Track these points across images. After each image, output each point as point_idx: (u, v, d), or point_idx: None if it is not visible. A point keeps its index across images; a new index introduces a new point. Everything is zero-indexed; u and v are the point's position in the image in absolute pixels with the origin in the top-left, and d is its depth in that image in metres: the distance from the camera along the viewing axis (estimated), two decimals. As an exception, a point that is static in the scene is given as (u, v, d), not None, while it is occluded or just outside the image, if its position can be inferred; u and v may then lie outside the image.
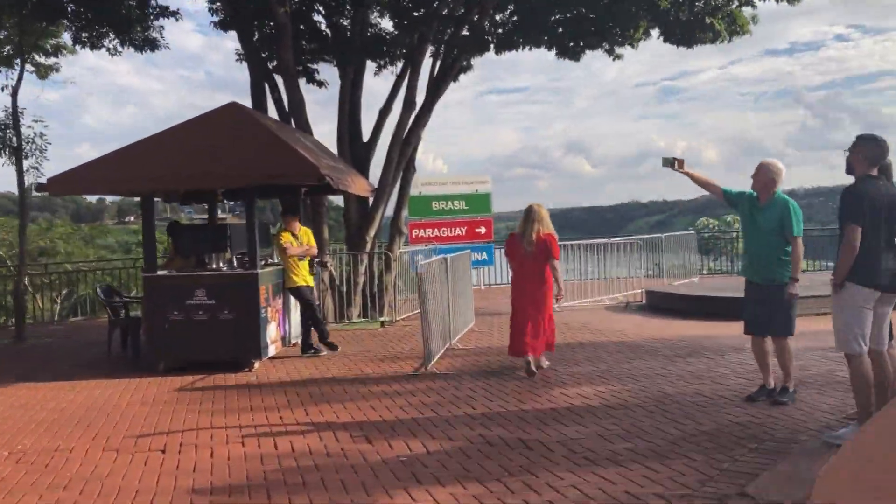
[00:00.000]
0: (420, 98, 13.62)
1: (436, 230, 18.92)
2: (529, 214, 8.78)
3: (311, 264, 10.83)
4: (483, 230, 19.37)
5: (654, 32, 15.78)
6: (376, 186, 12.59)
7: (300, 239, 10.42)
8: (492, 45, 15.09)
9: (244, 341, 9.45)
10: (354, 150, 13.83)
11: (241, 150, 9.34)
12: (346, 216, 13.63)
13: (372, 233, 13.45)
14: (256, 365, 9.62)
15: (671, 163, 7.64)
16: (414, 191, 18.68)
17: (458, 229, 19.22)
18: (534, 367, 8.56)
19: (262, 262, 10.83)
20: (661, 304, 13.94)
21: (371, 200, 13.53)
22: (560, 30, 16.02)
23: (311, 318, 10.52)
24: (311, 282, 10.67)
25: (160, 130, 9.77)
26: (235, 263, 10.18)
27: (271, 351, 10.00)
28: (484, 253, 19.47)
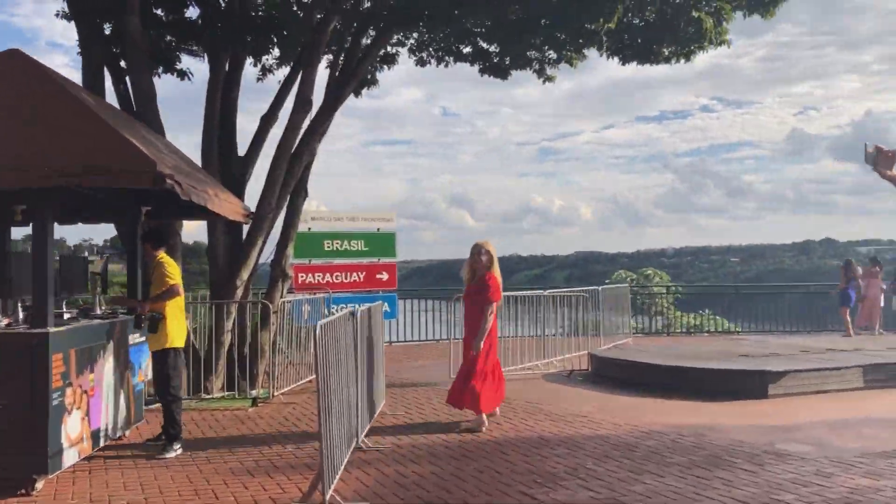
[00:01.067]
0: (317, 102, 10.25)
1: (327, 275, 15.31)
2: (473, 249, 7.99)
3: (137, 318, 7.15)
4: (385, 276, 15.92)
5: (598, 49, 13.03)
6: (253, 211, 9.00)
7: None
8: (415, 34, 11.89)
9: (17, 445, 5.62)
10: (226, 165, 10.21)
11: (28, 130, 5.63)
12: (210, 252, 9.96)
13: (245, 275, 9.81)
14: (40, 484, 5.78)
15: (874, 158, 5.89)
16: (302, 226, 15.11)
17: (355, 274, 15.67)
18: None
19: (71, 314, 7.03)
20: (612, 373, 10.90)
21: (246, 231, 9.89)
22: (483, 44, 13.10)
23: (162, 393, 6.96)
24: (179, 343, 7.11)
25: None
26: (21, 317, 6.34)
27: (71, 457, 6.14)
28: (386, 304, 16.01)
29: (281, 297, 10.37)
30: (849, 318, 16.89)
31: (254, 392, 9.82)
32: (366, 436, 7.29)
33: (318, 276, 15.13)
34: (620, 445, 7.03)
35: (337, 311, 10.29)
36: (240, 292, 9.74)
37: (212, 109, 10.08)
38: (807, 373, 9.60)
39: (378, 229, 15.87)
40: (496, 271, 8.02)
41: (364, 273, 15.68)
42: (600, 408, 8.92)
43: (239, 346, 9.90)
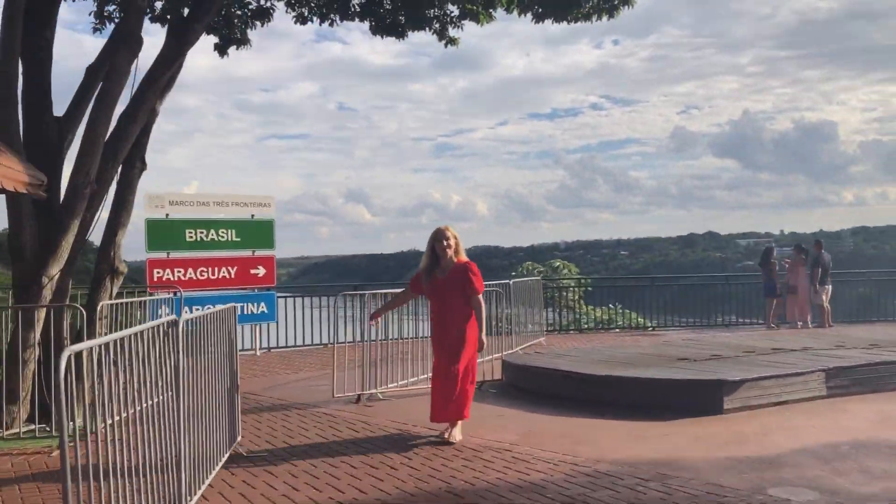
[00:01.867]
0: (154, 41, 7.73)
1: (190, 270, 12.74)
2: (437, 235, 6.70)
3: None
4: (262, 271, 13.46)
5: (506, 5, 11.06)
6: (43, 181, 6.41)
7: None
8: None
9: None
10: (35, 128, 7.54)
11: None
12: (12, 241, 7.28)
13: (54, 270, 7.18)
14: None
15: None
16: (158, 212, 12.46)
17: (224, 270, 13.14)
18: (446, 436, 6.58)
19: None
20: (531, 385, 8.92)
21: (61, 215, 7.29)
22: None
23: None
24: None
25: None
26: None
27: None
28: (262, 304, 13.57)
29: (110, 297, 7.81)
30: (773, 311, 15.68)
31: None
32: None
33: (179, 271, 12.54)
34: (564, 500, 4.98)
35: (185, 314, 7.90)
36: (47, 293, 7.13)
37: (8, 53, 7.40)
38: (766, 381, 7.87)
39: (253, 216, 13.41)
40: (465, 258, 6.78)
41: (236, 268, 13.18)
42: (524, 434, 6.87)
43: (45, 366, 7.30)
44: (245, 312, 13.07)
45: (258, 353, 13.33)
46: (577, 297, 18.52)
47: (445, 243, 6.60)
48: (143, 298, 8.72)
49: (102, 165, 7.61)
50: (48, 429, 7.15)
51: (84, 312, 6.79)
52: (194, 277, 12.60)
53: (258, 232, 13.33)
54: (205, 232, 12.73)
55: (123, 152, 7.70)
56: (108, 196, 7.93)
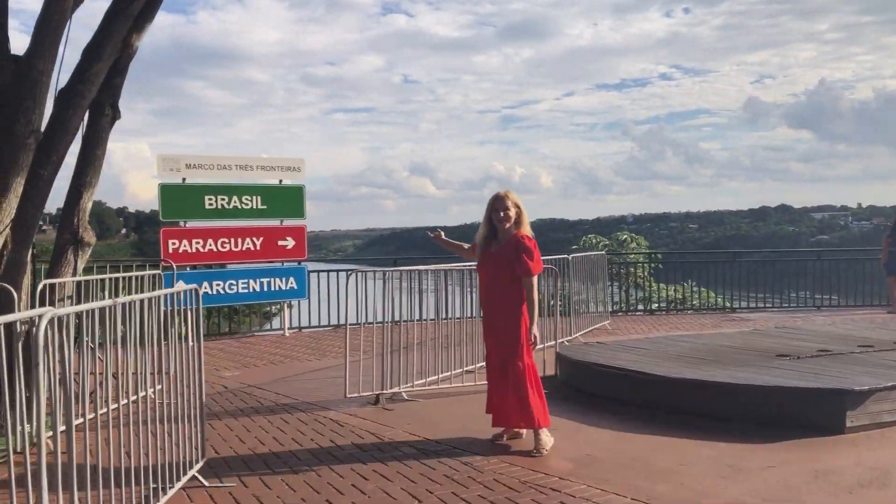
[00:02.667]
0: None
1: (210, 242, 11.31)
2: (495, 204, 5.42)
3: None
4: (291, 243, 11.96)
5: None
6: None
7: None
8: None
9: None
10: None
11: None
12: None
13: (-6, 240, 5.72)
14: None
15: None
16: (173, 176, 11.04)
17: (249, 241, 11.68)
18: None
19: None
20: (591, 385, 7.14)
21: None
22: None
23: None
24: None
25: None
26: None
27: None
28: (291, 279, 12.08)
29: (74, 273, 6.34)
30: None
31: (15, 435, 5.81)
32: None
33: (197, 243, 11.11)
34: None
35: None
36: (-13, 268, 5.68)
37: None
38: (904, 391, 5.92)
39: (281, 181, 11.89)
40: (528, 231, 5.50)
41: (262, 239, 11.69)
42: (581, 461, 5.12)
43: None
44: (272, 289, 11.63)
45: (286, 334, 11.87)
46: (645, 273, 16.51)
47: (503, 214, 5.38)
48: (127, 274, 7.22)
49: (58, 111, 6.10)
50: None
51: (14, 293, 5.31)
52: (215, 249, 11.18)
53: (287, 199, 11.81)
54: (226, 199, 11.27)
55: (86, 95, 6.16)
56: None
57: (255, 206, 11.49)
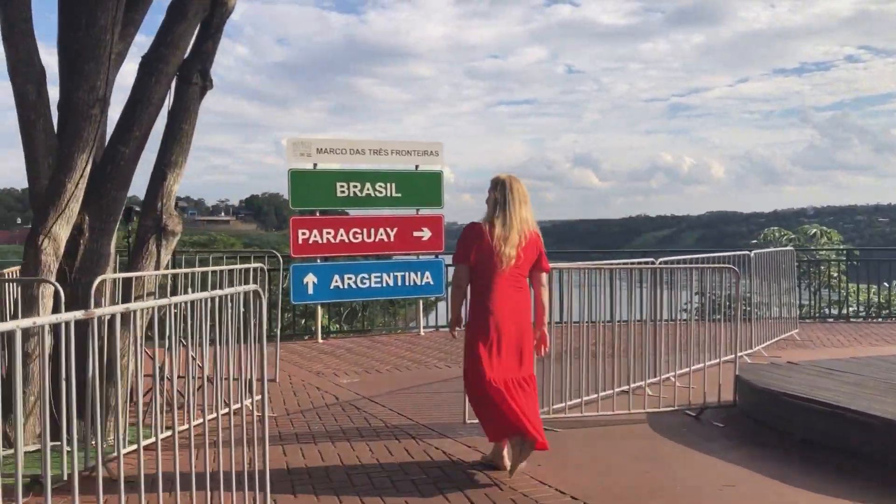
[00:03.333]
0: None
1: (342, 232, 10.45)
2: (506, 192, 4.56)
3: None
4: (427, 234, 10.87)
5: None
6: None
7: None
8: None
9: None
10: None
11: None
12: (31, 186, 5.17)
13: (57, 226, 4.93)
14: None
15: None
16: (303, 161, 10.26)
17: (382, 231, 10.72)
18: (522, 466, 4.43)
19: None
20: (778, 422, 5.44)
21: (61, 147, 5.05)
22: None
23: None
24: None
25: None
26: None
27: None
28: (427, 274, 11.00)
29: (157, 266, 5.51)
30: None
31: (99, 449, 5.04)
32: None
33: (328, 233, 10.26)
34: None
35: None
36: (49, 259, 4.94)
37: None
38: None
39: (417, 167, 10.83)
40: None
41: (396, 230, 10.69)
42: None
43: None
44: (407, 283, 10.60)
45: (422, 333, 10.81)
46: (838, 272, 14.04)
47: (516, 195, 4.71)
48: (216, 268, 6.33)
49: (139, 79, 5.28)
50: (64, 445, 5.02)
51: (60, 289, 4.48)
52: (346, 240, 10.29)
53: (424, 186, 10.73)
54: (359, 185, 10.35)
55: (170, 61, 5.30)
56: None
57: (389, 194, 10.49)
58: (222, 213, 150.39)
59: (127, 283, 5.38)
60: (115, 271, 5.64)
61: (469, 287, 4.62)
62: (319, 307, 10.48)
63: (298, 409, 6.35)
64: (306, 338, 10.75)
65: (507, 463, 4.52)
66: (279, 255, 7.42)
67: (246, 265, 6.44)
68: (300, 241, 10.06)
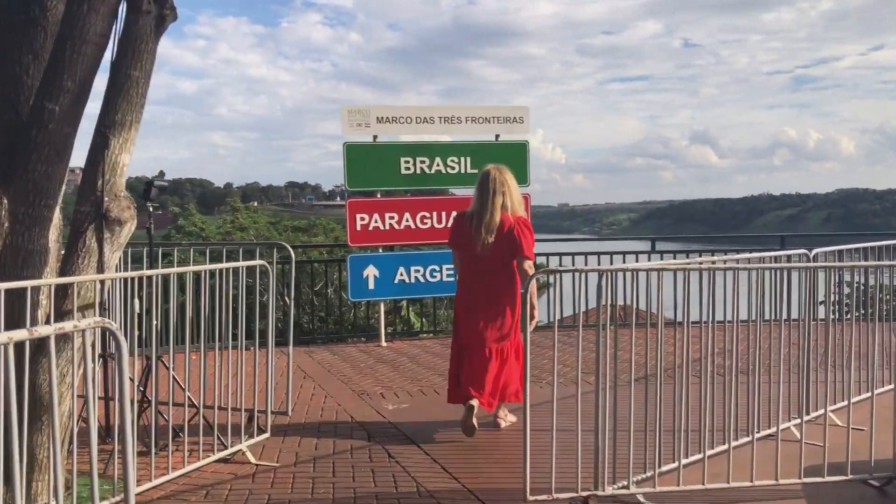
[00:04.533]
0: None
1: (407, 217, 8.77)
2: (485, 183, 5.05)
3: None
4: (510, 218, 9.02)
5: None
6: None
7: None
8: None
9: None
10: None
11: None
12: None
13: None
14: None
15: None
16: (362, 133, 8.63)
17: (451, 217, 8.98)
18: (474, 421, 4.75)
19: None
20: None
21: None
22: None
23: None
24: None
25: None
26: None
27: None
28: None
29: (100, 268, 3.95)
30: None
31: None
32: None
33: (391, 218, 8.59)
34: None
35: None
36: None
37: None
38: None
39: (498, 137, 8.98)
40: (524, 211, 5.19)
41: (473, 213, 8.89)
42: None
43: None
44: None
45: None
46: None
47: (495, 186, 5.03)
48: (199, 268, 4.74)
49: (69, 5, 3.74)
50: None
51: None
52: (412, 226, 8.58)
53: (505, 159, 8.80)
54: (427, 161, 8.60)
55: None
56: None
57: (463, 171, 8.69)
58: (338, 198, 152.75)
59: (61, 290, 3.88)
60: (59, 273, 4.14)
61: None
62: (382, 304, 8.83)
63: (311, 456, 4.70)
64: (363, 340, 9.16)
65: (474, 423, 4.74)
66: (289, 246, 5.72)
67: (235, 264, 4.79)
68: (358, 228, 8.43)
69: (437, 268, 8.70)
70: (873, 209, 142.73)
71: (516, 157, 8.85)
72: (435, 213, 8.62)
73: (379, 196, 8.60)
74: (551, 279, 9.61)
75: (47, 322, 3.77)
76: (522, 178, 8.81)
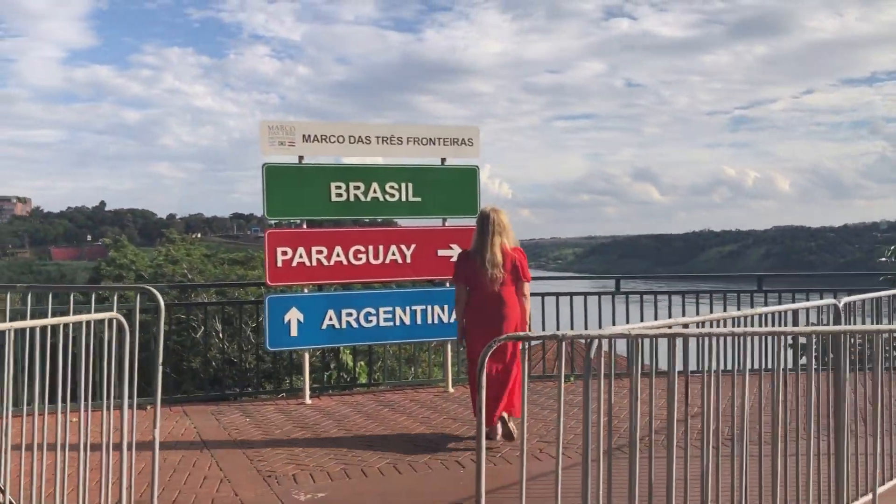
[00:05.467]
0: None
1: (338, 251, 7.46)
2: (485, 224, 5.64)
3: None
4: (457, 254, 7.88)
5: None
6: None
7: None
8: None
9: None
10: None
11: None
12: None
13: None
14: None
15: None
16: (285, 153, 7.35)
17: (394, 250, 7.70)
18: (511, 427, 5.54)
19: None
20: None
21: None
22: None
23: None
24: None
25: None
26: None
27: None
28: (443, 310, 7.92)
29: None
30: None
31: None
32: None
33: (319, 252, 7.30)
34: None
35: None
36: None
37: None
38: None
39: (444, 161, 7.83)
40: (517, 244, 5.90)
41: (414, 247, 7.66)
42: None
43: None
44: (429, 321, 7.56)
45: (451, 389, 7.69)
46: None
47: (493, 228, 5.64)
48: (33, 323, 3.38)
49: None
50: None
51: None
52: (344, 262, 7.30)
53: (453, 187, 7.69)
54: (362, 187, 7.37)
55: None
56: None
57: (404, 198, 7.48)
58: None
59: None
60: None
61: (468, 301, 5.67)
62: (307, 355, 7.49)
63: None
64: (282, 396, 7.77)
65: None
66: (155, 291, 4.34)
67: (84, 317, 3.43)
68: (279, 264, 7.12)
69: (372, 311, 7.42)
70: (808, 246, 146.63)
71: (464, 183, 7.68)
72: (371, 248, 7.36)
73: (305, 227, 7.31)
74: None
75: None
76: (471, 209, 7.64)
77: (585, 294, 8.38)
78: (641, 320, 8.17)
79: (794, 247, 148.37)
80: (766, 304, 8.46)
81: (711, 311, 8.57)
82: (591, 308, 8.23)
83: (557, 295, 8.21)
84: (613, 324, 8.13)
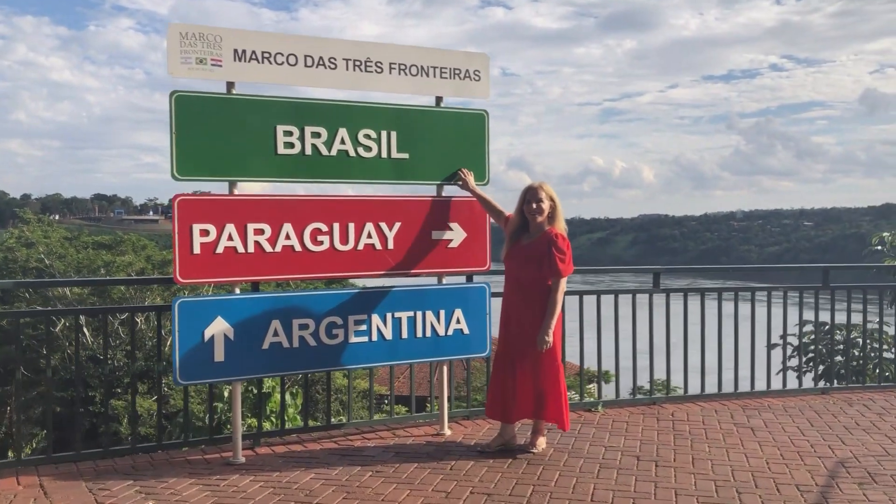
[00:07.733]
0: None
1: (287, 230, 4.79)
2: (528, 195, 4.72)
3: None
4: (458, 235, 5.39)
5: None
6: None
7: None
8: None
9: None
10: None
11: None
12: None
13: None
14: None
15: None
16: (204, 76, 4.65)
17: (371, 230, 5.11)
18: (515, 442, 4.81)
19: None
20: None
21: None
22: None
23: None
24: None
25: None
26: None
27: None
28: (458, 312, 5.47)
29: None
30: None
31: None
32: None
33: (258, 232, 4.60)
34: None
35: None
36: None
37: None
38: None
39: (439, 101, 5.39)
40: (562, 227, 4.75)
41: (399, 225, 5.09)
42: None
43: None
44: (417, 334, 5.12)
45: (447, 430, 5.30)
46: None
47: (536, 206, 4.68)
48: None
49: None
50: None
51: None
52: (297, 248, 4.72)
53: (454, 139, 5.26)
54: (324, 134, 4.80)
55: None
56: None
57: (384, 154, 4.97)
58: (151, 213, 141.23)
59: None
60: None
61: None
62: (239, 389, 4.85)
63: None
64: (202, 448, 5.07)
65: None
66: None
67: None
68: (196, 250, 4.46)
69: (339, 320, 4.90)
70: (672, 234, 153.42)
71: (473, 132, 5.27)
72: (337, 226, 4.82)
73: (237, 192, 4.66)
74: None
75: None
76: (479, 171, 5.26)
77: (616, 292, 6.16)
78: (686, 319, 6.17)
79: (659, 234, 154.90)
80: (833, 303, 6.61)
81: (770, 310, 6.61)
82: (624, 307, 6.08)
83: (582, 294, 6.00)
84: (651, 325, 6.04)
